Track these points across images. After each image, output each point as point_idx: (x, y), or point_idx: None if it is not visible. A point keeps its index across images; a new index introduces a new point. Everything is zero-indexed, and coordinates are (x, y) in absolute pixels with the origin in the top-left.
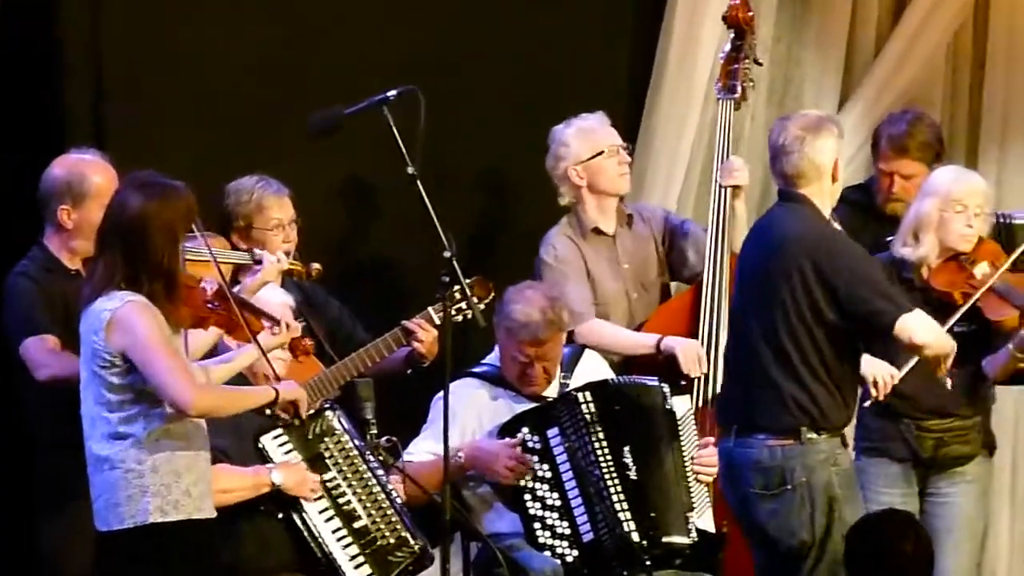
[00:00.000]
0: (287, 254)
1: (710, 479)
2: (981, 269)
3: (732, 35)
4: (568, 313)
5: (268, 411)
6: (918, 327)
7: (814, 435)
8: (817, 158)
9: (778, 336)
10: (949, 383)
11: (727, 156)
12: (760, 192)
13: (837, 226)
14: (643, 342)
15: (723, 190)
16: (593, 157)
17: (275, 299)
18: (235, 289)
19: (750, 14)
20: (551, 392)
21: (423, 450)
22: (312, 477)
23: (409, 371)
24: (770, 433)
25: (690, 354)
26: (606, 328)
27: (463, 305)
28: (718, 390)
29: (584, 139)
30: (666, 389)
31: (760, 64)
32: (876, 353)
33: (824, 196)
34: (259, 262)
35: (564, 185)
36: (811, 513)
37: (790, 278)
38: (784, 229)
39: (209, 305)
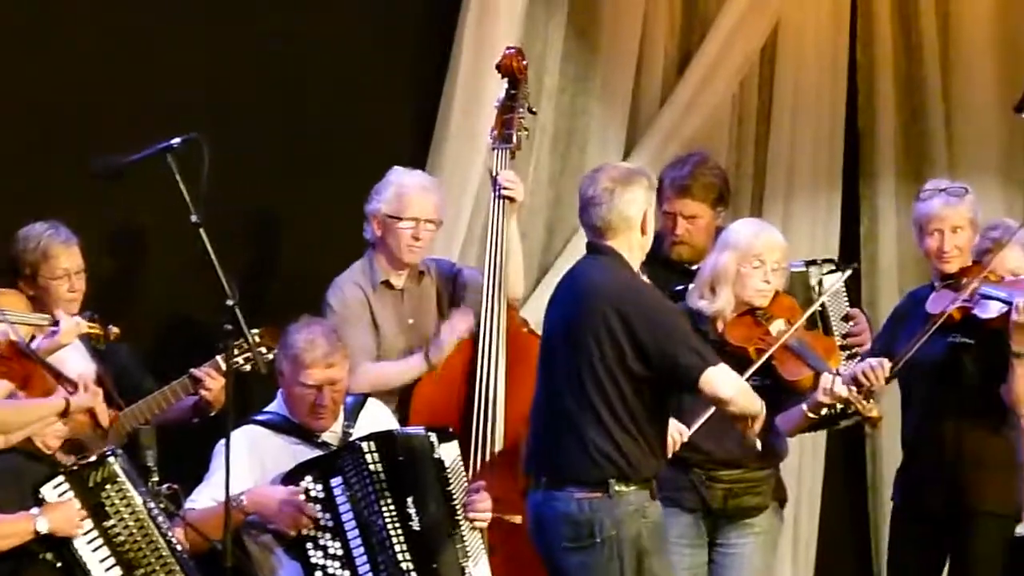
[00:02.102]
0: (73, 303)
1: (484, 525)
2: (776, 326)
3: (506, 84)
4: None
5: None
6: (723, 381)
7: (622, 487)
8: (626, 210)
9: (585, 388)
10: (759, 444)
11: (503, 209)
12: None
13: (645, 279)
14: (413, 365)
15: (499, 230)
16: (393, 218)
17: (76, 364)
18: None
19: (524, 63)
20: (334, 440)
21: (207, 497)
22: (76, 508)
23: (195, 420)
24: (578, 485)
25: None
26: (371, 367)
27: (248, 354)
28: (499, 430)
29: (399, 198)
30: (433, 438)
31: (534, 113)
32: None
33: (633, 249)
34: (56, 323)
35: (368, 224)
36: (620, 566)
37: (597, 330)
38: (591, 281)
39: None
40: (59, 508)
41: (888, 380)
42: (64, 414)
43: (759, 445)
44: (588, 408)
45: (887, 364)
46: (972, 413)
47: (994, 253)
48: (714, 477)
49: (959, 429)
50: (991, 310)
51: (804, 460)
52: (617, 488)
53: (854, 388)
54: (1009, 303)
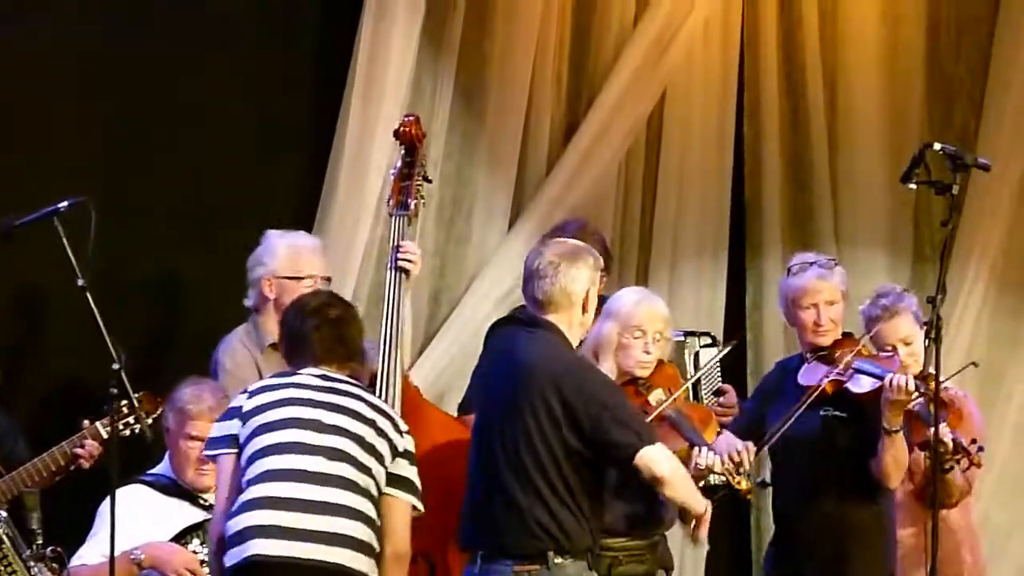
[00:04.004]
0: None
1: None
2: (656, 395)
3: (403, 151)
4: None
5: None
6: (659, 461)
7: (560, 559)
8: (569, 286)
9: (524, 461)
10: (706, 544)
11: (399, 280)
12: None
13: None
14: None
15: (396, 300)
16: (290, 278)
17: None
18: None
19: (423, 130)
20: None
21: (96, 553)
22: None
23: (71, 467)
24: (516, 558)
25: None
26: None
27: (131, 420)
28: None
29: (291, 258)
30: None
31: (430, 181)
32: None
33: (573, 325)
34: None
35: (254, 289)
36: None
37: (535, 404)
38: (530, 355)
39: None
40: None
41: (758, 452)
42: None
43: (706, 544)
44: (527, 482)
45: (752, 448)
46: (845, 485)
47: (883, 321)
48: (605, 546)
49: (832, 501)
50: (864, 385)
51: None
52: (556, 560)
53: (727, 461)
54: (882, 379)
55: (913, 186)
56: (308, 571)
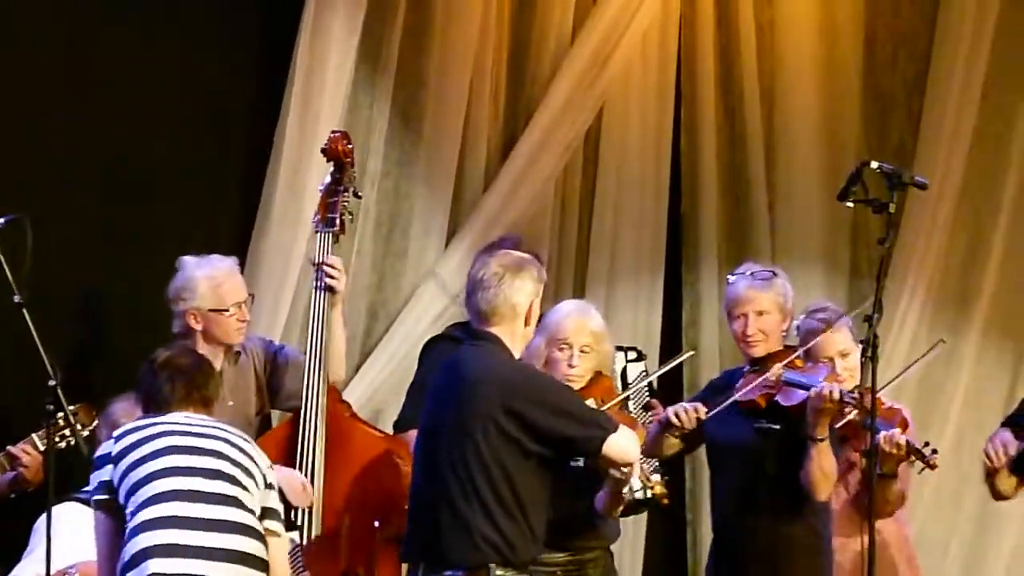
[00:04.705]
0: None
1: None
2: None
3: (331, 168)
4: None
5: None
6: (627, 445)
7: (502, 571)
8: (513, 297)
9: (472, 474)
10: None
11: (324, 298)
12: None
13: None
14: None
15: (321, 317)
16: (216, 311)
17: None
18: None
19: (350, 147)
20: None
21: (30, 572)
22: None
23: (12, 495)
24: (459, 569)
25: (295, 485)
26: None
27: (67, 432)
28: (316, 516)
29: (212, 291)
30: None
31: (359, 197)
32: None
33: (516, 338)
34: None
35: (179, 320)
36: None
37: (483, 417)
38: (476, 368)
39: None
40: None
41: (698, 424)
42: None
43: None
44: (473, 494)
45: (703, 408)
46: (779, 498)
47: (818, 334)
48: (540, 561)
49: (767, 515)
50: (793, 397)
51: (624, 545)
52: (498, 572)
53: (644, 465)
54: (809, 389)
55: (850, 204)
56: None
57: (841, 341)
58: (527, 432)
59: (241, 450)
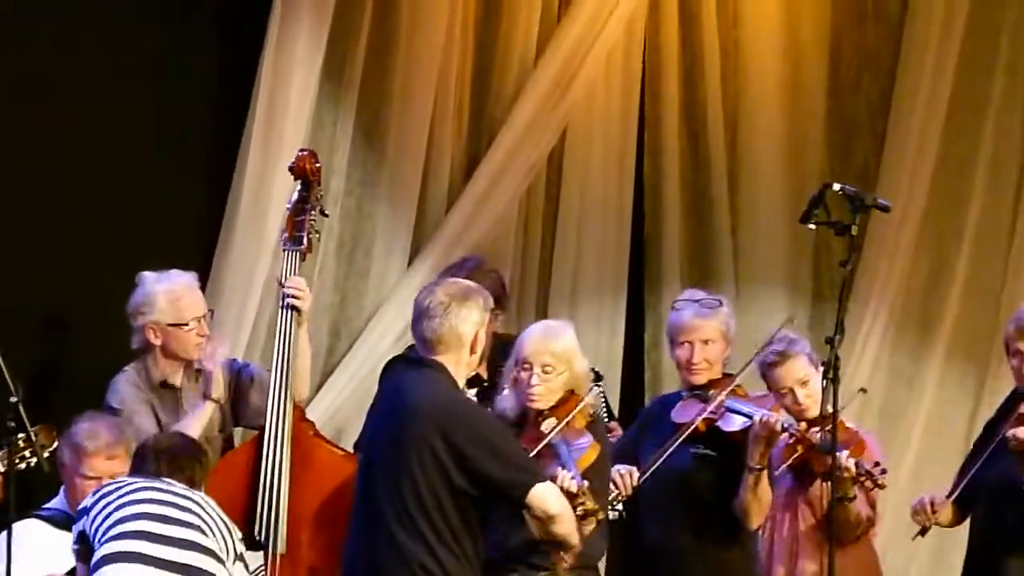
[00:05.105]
0: None
1: None
2: (549, 424)
3: (299, 186)
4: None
5: None
6: (551, 498)
7: None
8: (459, 327)
9: (406, 502)
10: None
11: (290, 317)
12: None
13: (470, 395)
14: (200, 411)
15: (287, 336)
16: (175, 325)
17: None
18: None
19: (317, 165)
20: None
21: None
22: None
23: None
24: None
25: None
26: (173, 429)
27: (27, 453)
28: (281, 535)
29: (172, 305)
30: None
31: (327, 215)
32: None
33: (460, 367)
34: None
35: (138, 335)
36: None
37: (420, 446)
38: (416, 395)
39: None
40: None
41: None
42: None
43: None
44: (409, 522)
45: (635, 472)
46: (712, 523)
47: (778, 366)
48: None
49: (700, 539)
50: (734, 424)
51: None
52: None
53: (585, 484)
54: (751, 417)
55: (813, 227)
56: None
57: (799, 370)
58: (457, 465)
59: (215, 520)
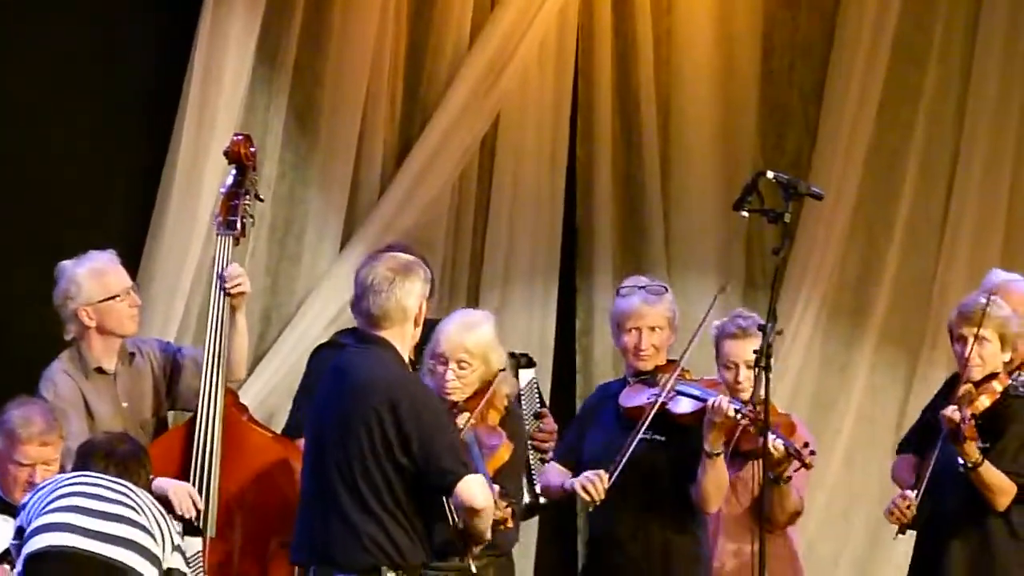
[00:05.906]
0: None
1: None
2: (463, 418)
3: (234, 170)
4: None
5: None
6: (479, 492)
7: (393, 574)
8: (404, 300)
9: (356, 478)
10: (474, 568)
11: (225, 303)
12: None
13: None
14: None
15: (220, 321)
16: (105, 300)
17: None
18: None
19: (252, 150)
20: None
21: None
22: None
23: None
24: (348, 572)
25: (182, 495)
26: None
27: None
28: (211, 519)
29: (97, 281)
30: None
31: (261, 200)
32: None
33: (405, 340)
34: None
35: (72, 323)
36: None
37: (368, 422)
38: (364, 371)
39: None
40: None
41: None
42: None
43: (474, 568)
44: (358, 498)
45: (604, 475)
46: (664, 510)
47: (736, 339)
48: (436, 566)
49: (651, 525)
50: (684, 406)
51: (517, 552)
52: (389, 575)
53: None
54: (704, 400)
55: (745, 214)
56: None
57: (751, 350)
58: (401, 445)
59: (149, 508)
